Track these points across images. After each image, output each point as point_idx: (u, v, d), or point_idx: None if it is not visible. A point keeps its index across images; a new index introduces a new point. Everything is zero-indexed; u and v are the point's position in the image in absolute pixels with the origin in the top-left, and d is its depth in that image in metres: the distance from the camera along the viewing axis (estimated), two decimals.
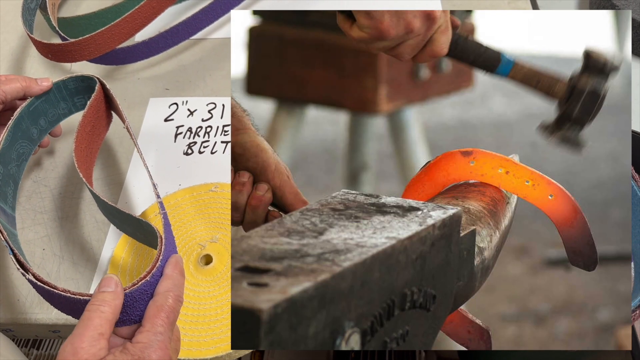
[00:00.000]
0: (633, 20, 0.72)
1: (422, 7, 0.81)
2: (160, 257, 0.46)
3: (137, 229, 0.53)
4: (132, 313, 0.44)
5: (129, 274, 0.58)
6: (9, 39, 0.85)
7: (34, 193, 0.67)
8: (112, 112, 0.64)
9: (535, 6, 0.81)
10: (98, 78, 0.60)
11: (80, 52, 0.68)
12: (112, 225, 0.63)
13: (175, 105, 0.73)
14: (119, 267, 0.58)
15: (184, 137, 0.70)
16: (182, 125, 0.71)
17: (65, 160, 0.69)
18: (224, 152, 0.68)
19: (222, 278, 0.56)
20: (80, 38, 0.67)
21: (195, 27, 0.77)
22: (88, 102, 0.59)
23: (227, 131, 0.70)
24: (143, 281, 0.44)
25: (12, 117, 0.57)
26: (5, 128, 0.56)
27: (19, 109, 0.58)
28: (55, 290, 0.45)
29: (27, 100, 0.59)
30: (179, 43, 0.77)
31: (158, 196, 0.52)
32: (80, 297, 0.44)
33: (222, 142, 0.69)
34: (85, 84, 0.61)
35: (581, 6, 0.81)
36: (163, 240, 0.47)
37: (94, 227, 0.63)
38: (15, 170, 0.58)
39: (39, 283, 0.46)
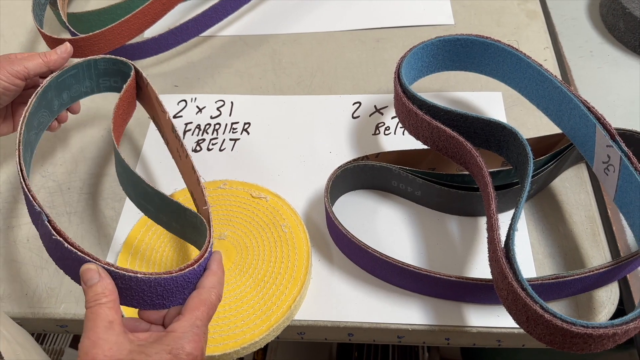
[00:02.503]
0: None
1: (431, 8, 0.81)
2: (209, 249, 0.46)
3: (175, 218, 0.53)
4: (169, 298, 0.44)
5: (137, 269, 0.58)
6: (18, 34, 0.85)
7: (42, 188, 0.67)
8: (137, 102, 0.64)
9: (545, 9, 0.81)
10: (133, 65, 0.60)
11: (90, 48, 0.68)
12: (120, 222, 0.63)
13: (184, 102, 0.73)
14: (127, 262, 0.58)
15: (192, 134, 0.70)
16: (191, 122, 0.71)
17: (74, 156, 0.70)
18: (232, 150, 0.68)
19: (231, 275, 0.56)
20: (90, 34, 0.67)
21: (204, 24, 0.77)
22: (124, 86, 0.59)
23: (236, 129, 0.70)
24: (190, 269, 0.44)
25: (41, 85, 0.56)
26: (34, 94, 0.55)
27: (49, 78, 0.57)
28: (98, 263, 0.43)
29: (58, 71, 0.58)
30: (188, 40, 0.77)
31: (203, 187, 0.52)
32: (124, 272, 0.42)
33: (230, 139, 0.69)
34: (116, 67, 0.61)
35: (592, 8, 0.81)
36: (211, 232, 0.47)
37: (102, 223, 0.63)
38: (34, 137, 0.57)
39: (78, 253, 0.43)
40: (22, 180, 0.48)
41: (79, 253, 0.43)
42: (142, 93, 0.62)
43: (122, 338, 0.40)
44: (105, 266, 0.42)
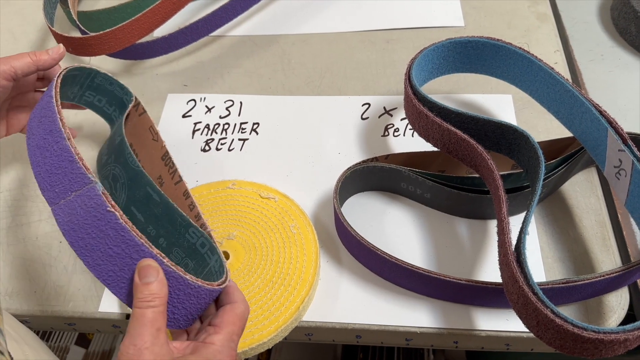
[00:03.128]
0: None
1: (442, 10, 0.81)
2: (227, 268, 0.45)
3: (166, 234, 0.51)
4: (187, 313, 0.42)
5: None
6: (28, 32, 0.86)
7: None
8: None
9: (556, 12, 0.81)
10: (135, 97, 0.59)
11: (100, 46, 0.69)
12: None
13: (193, 102, 0.74)
14: None
15: (201, 134, 0.70)
16: (200, 122, 0.71)
17: (83, 153, 0.69)
18: (241, 150, 0.68)
19: (239, 275, 0.56)
20: (101, 32, 0.67)
21: (214, 24, 0.77)
22: (127, 110, 0.59)
23: (245, 129, 0.70)
24: (226, 284, 0.43)
25: (60, 72, 0.53)
26: (57, 76, 0.52)
27: (66, 68, 0.54)
28: (149, 248, 0.39)
29: (73, 65, 0.56)
30: (198, 39, 0.77)
31: (200, 212, 0.51)
32: (174, 269, 0.40)
33: (239, 139, 0.69)
34: (110, 88, 0.60)
35: (603, 11, 0.81)
36: (221, 254, 0.47)
37: None
38: None
39: (131, 232, 0.40)
40: (68, 143, 0.43)
41: (132, 232, 0.39)
42: (128, 122, 0.61)
43: (165, 349, 0.38)
44: (157, 256, 0.40)
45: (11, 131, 0.62)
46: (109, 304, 0.57)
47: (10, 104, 0.61)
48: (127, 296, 0.40)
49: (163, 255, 0.40)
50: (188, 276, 0.40)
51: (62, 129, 0.45)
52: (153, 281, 0.39)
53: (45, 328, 0.61)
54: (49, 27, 0.71)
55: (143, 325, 0.38)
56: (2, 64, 0.55)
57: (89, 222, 0.40)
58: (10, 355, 0.43)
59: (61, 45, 0.58)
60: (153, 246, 0.40)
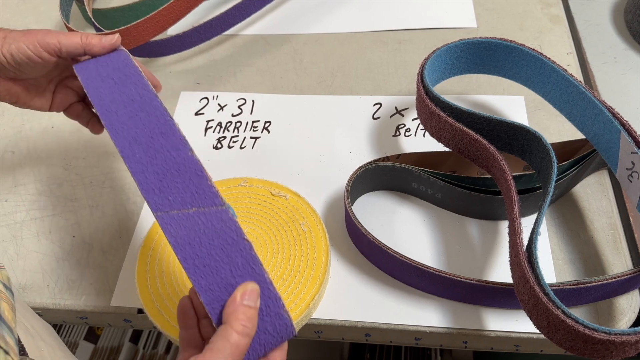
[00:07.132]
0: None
1: (454, 11, 0.81)
2: None
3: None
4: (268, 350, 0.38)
5: (157, 265, 0.58)
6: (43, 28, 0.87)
7: (65, 181, 0.68)
8: None
9: (569, 14, 0.81)
10: None
11: None
12: (140, 216, 0.63)
13: (205, 100, 0.74)
14: (148, 257, 0.59)
15: (213, 132, 0.70)
16: (212, 120, 0.72)
17: (96, 150, 0.70)
18: (252, 148, 0.69)
19: None
20: (115, 30, 0.68)
21: (227, 22, 0.77)
22: None
23: (257, 127, 0.71)
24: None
25: None
26: None
27: None
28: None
29: None
30: (211, 38, 0.77)
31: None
32: (278, 299, 0.37)
33: (251, 137, 0.70)
34: None
35: (616, 14, 0.81)
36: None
37: (124, 217, 0.64)
38: None
39: (259, 263, 0.37)
40: (195, 156, 0.41)
41: (263, 266, 0.37)
42: None
43: None
44: (279, 296, 0.37)
45: (54, 108, 0.58)
46: (121, 299, 0.58)
47: (59, 82, 0.58)
48: (218, 315, 0.37)
49: (280, 296, 0.38)
50: (294, 327, 0.38)
51: (184, 138, 0.42)
52: (253, 306, 0.37)
53: (57, 321, 0.62)
54: (65, 23, 0.72)
55: (231, 348, 0.35)
56: (49, 37, 0.52)
57: (214, 244, 0.38)
58: (24, 350, 0.43)
59: (117, 35, 0.55)
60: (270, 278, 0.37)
